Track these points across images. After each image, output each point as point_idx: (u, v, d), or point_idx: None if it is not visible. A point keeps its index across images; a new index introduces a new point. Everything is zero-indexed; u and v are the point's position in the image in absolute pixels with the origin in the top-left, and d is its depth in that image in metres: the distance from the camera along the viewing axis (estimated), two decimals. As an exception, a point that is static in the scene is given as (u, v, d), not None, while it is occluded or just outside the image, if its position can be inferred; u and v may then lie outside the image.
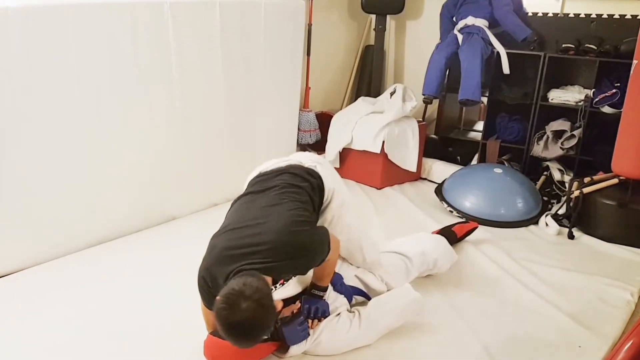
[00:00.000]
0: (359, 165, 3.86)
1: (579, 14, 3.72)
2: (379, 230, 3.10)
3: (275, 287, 2.01)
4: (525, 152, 3.85)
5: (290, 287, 2.04)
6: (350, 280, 2.21)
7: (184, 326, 2.09)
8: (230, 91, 3.22)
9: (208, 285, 1.74)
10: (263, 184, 1.98)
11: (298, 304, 1.98)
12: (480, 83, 3.63)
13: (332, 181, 2.05)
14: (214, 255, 1.74)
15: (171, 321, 2.13)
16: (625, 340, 1.53)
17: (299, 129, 3.98)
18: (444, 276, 2.58)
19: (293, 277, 2.07)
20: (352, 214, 2.16)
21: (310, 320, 1.97)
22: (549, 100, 3.71)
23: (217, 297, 1.58)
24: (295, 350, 1.93)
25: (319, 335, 1.95)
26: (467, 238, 2.97)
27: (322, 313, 2.00)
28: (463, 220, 3.04)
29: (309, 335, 1.93)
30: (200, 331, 2.05)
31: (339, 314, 2.04)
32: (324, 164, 2.11)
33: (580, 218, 3.14)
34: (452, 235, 2.79)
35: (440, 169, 3.94)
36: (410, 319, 2.13)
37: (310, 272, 2.03)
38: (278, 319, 1.89)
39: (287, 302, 2.02)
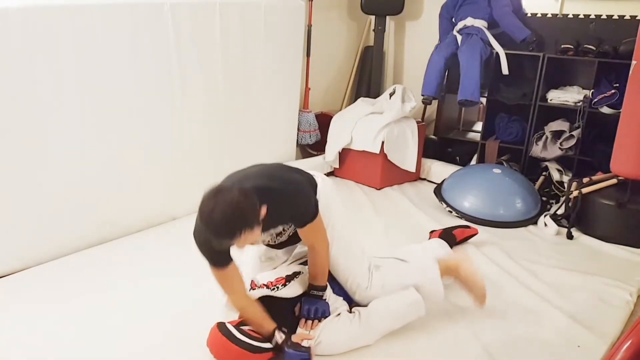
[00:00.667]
0: (358, 165, 3.86)
1: (578, 15, 3.73)
2: (378, 230, 3.11)
3: (278, 287, 2.03)
4: (524, 152, 3.86)
5: (292, 289, 2.05)
6: None
7: (185, 326, 2.10)
8: (230, 91, 3.22)
9: (210, 242, 1.74)
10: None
11: (309, 335, 1.96)
12: (480, 84, 3.63)
13: (326, 196, 2.05)
14: (201, 210, 1.69)
15: (171, 321, 2.14)
16: (624, 339, 1.53)
17: (298, 130, 3.98)
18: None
19: (295, 279, 2.07)
20: (342, 245, 2.11)
21: (310, 322, 1.98)
22: (548, 100, 3.72)
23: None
24: None
25: (319, 336, 1.95)
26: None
27: (322, 313, 2.00)
28: (465, 225, 3.01)
29: None
30: (201, 331, 2.06)
31: (339, 314, 2.04)
32: (326, 181, 2.14)
33: (579, 218, 3.14)
34: (451, 239, 2.79)
35: (439, 170, 3.95)
36: (412, 321, 2.12)
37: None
38: (288, 341, 1.87)
39: (289, 302, 2.02)
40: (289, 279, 2.09)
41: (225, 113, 3.24)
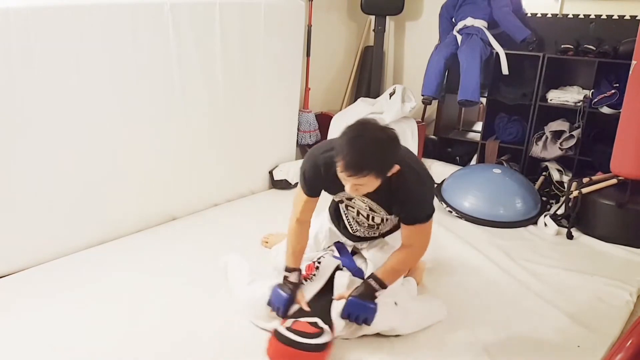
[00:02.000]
0: (358, 165, 3.86)
1: (578, 15, 3.73)
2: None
3: (313, 274, 2.06)
4: (524, 152, 3.86)
5: (316, 283, 2.06)
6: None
7: (185, 326, 2.10)
8: (230, 92, 3.22)
9: (320, 170, 1.79)
10: None
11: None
12: (479, 84, 3.63)
13: None
14: (348, 130, 1.70)
15: (172, 321, 2.13)
16: (624, 339, 1.53)
17: (298, 130, 3.98)
18: (442, 277, 2.58)
19: (323, 258, 2.10)
20: None
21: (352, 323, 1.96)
22: (548, 100, 3.72)
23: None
24: (338, 328, 1.92)
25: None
26: (466, 237, 3.00)
27: (364, 321, 1.93)
28: None
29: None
30: (201, 331, 2.06)
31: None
32: None
33: (579, 218, 3.14)
34: None
35: (439, 170, 3.95)
36: (438, 320, 2.15)
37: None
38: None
39: (319, 296, 2.03)
40: (315, 262, 2.12)
41: (225, 113, 3.24)
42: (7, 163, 2.35)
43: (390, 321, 2.00)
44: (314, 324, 1.87)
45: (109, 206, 2.77)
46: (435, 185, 3.63)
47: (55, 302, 2.22)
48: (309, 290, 2.06)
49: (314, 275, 2.09)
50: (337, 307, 1.96)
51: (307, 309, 1.97)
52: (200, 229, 3.00)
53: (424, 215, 1.88)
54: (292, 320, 1.90)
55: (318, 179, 1.86)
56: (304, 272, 2.10)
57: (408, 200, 1.84)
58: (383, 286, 1.94)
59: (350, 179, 1.66)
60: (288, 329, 1.83)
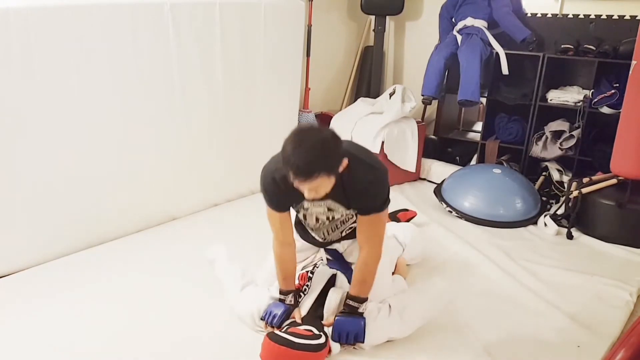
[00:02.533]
0: (358, 165, 3.86)
1: (578, 15, 3.73)
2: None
3: (307, 286, 2.05)
4: (524, 152, 3.86)
5: (309, 298, 2.05)
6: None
7: (185, 325, 2.10)
8: (230, 92, 3.22)
9: (278, 185, 1.79)
10: None
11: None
12: (480, 84, 3.63)
13: None
14: (288, 142, 1.70)
15: (172, 321, 2.14)
16: (624, 339, 1.53)
17: (298, 130, 3.98)
18: (442, 277, 2.58)
19: (316, 268, 2.08)
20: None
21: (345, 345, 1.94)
22: (548, 100, 3.72)
23: None
24: (334, 349, 1.91)
25: None
26: (466, 237, 3.01)
27: (356, 338, 1.90)
28: (405, 208, 3.15)
29: None
30: (201, 331, 2.06)
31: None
32: None
33: (579, 218, 3.14)
34: (396, 221, 2.86)
35: (439, 170, 3.95)
36: (443, 309, 2.14)
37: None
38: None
39: (314, 311, 2.03)
40: (310, 273, 2.10)
41: (225, 113, 3.24)
42: (6, 163, 2.35)
43: (387, 332, 1.98)
44: (309, 330, 1.86)
45: (109, 206, 2.77)
46: (436, 186, 3.66)
47: (55, 302, 2.22)
48: (304, 307, 2.04)
49: (307, 286, 2.07)
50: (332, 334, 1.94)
51: (299, 320, 1.97)
52: (200, 229, 3.00)
53: (379, 202, 1.88)
54: (287, 326, 1.89)
55: (280, 193, 1.86)
56: (297, 282, 2.08)
57: (362, 191, 1.85)
58: (362, 300, 1.95)
59: (304, 184, 1.68)
60: (283, 331, 1.82)
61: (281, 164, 1.70)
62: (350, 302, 1.95)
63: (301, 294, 2.07)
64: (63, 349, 1.94)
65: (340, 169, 1.72)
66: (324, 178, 1.66)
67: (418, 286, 2.24)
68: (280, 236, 1.98)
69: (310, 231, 2.14)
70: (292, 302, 2.00)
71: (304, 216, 2.05)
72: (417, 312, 2.05)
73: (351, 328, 1.90)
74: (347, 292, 1.99)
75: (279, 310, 1.97)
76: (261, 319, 2.01)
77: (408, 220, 3.03)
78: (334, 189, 1.78)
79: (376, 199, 1.87)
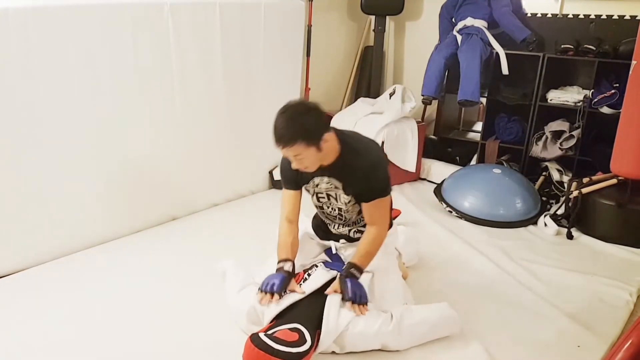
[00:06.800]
0: (358, 165, 3.86)
1: (578, 15, 3.73)
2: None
3: (300, 284, 2.04)
4: (524, 152, 3.86)
5: (313, 281, 2.04)
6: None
7: (185, 325, 2.10)
8: (230, 92, 3.22)
9: (290, 164, 1.94)
10: None
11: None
12: (479, 84, 3.64)
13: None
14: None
15: (172, 321, 2.14)
16: (624, 339, 1.53)
17: (298, 130, 3.98)
18: (442, 277, 2.59)
19: (314, 269, 2.09)
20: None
21: (355, 305, 1.95)
22: (548, 100, 3.72)
23: None
24: (326, 340, 1.89)
25: (347, 326, 1.91)
26: (466, 237, 3.01)
27: (364, 298, 1.98)
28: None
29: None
30: (202, 331, 2.06)
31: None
32: None
33: (579, 218, 3.14)
34: None
35: (439, 170, 3.95)
36: (444, 335, 2.07)
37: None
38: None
39: (318, 292, 2.02)
40: (306, 272, 2.10)
41: (225, 113, 3.24)
42: (6, 163, 2.35)
43: (381, 340, 1.96)
44: (297, 330, 1.83)
45: (109, 206, 2.77)
46: (436, 186, 3.66)
47: (55, 302, 2.23)
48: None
49: (301, 285, 2.05)
50: (330, 319, 1.92)
51: (299, 291, 1.98)
52: (200, 229, 3.00)
53: (378, 188, 1.98)
54: (274, 329, 1.87)
55: (289, 170, 2.00)
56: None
57: (360, 177, 1.96)
58: (362, 271, 2.05)
59: (286, 151, 1.88)
60: (267, 335, 1.79)
61: None
62: (353, 271, 2.02)
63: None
64: (63, 349, 1.94)
65: (322, 143, 1.86)
66: (301, 145, 1.82)
67: (427, 305, 2.15)
68: (288, 213, 2.12)
69: (325, 218, 2.23)
70: (290, 270, 2.03)
71: (317, 198, 2.12)
72: (418, 332, 2.02)
73: (360, 290, 1.99)
74: (350, 261, 2.05)
75: (277, 279, 1.98)
76: (259, 290, 1.99)
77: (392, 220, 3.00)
78: (332, 167, 1.96)
79: (373, 185, 1.97)
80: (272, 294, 1.95)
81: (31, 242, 2.50)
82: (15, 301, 2.24)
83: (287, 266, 2.03)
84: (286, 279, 1.99)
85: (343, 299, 1.96)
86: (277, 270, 2.03)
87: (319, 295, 2.00)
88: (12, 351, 1.92)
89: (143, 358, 1.92)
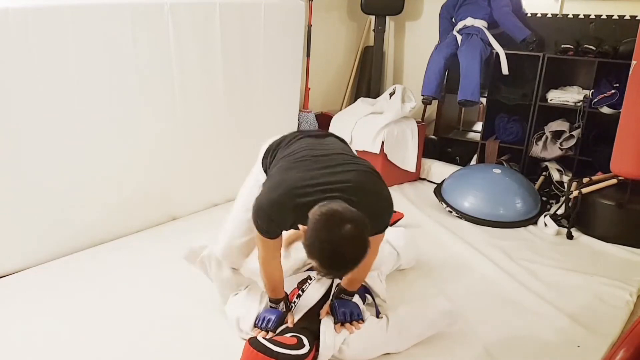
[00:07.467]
0: (358, 165, 3.86)
1: (578, 15, 3.73)
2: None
3: (295, 302, 2.03)
4: (524, 152, 3.86)
5: (308, 296, 2.05)
6: None
7: (185, 325, 2.10)
8: (230, 92, 3.22)
9: (270, 217, 1.75)
10: (315, 138, 2.06)
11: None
12: (479, 84, 3.63)
13: None
14: (285, 187, 1.72)
15: (172, 321, 2.14)
16: (624, 339, 1.53)
17: (298, 130, 3.98)
18: (442, 277, 2.59)
19: (308, 284, 2.09)
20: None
21: (348, 324, 1.96)
22: (548, 100, 3.72)
23: (315, 215, 1.58)
24: (325, 354, 1.89)
25: (346, 340, 1.92)
26: (466, 237, 3.01)
27: (357, 316, 1.98)
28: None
29: None
30: (202, 331, 2.06)
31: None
32: None
33: (579, 218, 3.14)
34: None
35: (439, 170, 3.95)
36: (443, 331, 2.08)
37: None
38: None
39: (314, 309, 2.02)
40: (300, 286, 2.10)
41: (225, 113, 3.24)
42: (6, 163, 2.35)
43: (383, 348, 1.96)
44: (295, 336, 1.84)
45: (109, 206, 2.77)
46: (436, 186, 3.66)
47: (55, 302, 2.23)
48: (296, 316, 2.03)
49: (294, 303, 2.05)
50: (327, 336, 1.91)
51: (291, 324, 1.96)
52: (200, 229, 2.99)
53: (381, 229, 1.89)
54: (280, 332, 1.88)
55: (283, 224, 1.80)
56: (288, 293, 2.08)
57: (377, 217, 1.80)
58: (353, 294, 2.04)
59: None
60: (266, 338, 1.79)
61: (298, 197, 1.69)
62: (344, 296, 2.02)
63: (291, 305, 2.05)
64: (62, 349, 1.94)
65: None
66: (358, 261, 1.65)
67: (422, 302, 2.18)
68: (273, 253, 1.92)
69: None
70: (284, 309, 2.00)
71: None
72: (416, 330, 2.03)
73: (352, 308, 1.99)
74: (339, 284, 2.05)
75: (273, 316, 1.97)
76: (255, 326, 1.99)
77: (395, 222, 2.99)
78: None
79: (380, 228, 1.87)
80: (267, 331, 1.95)
81: (31, 242, 2.50)
82: (15, 301, 2.24)
83: (282, 305, 2.00)
84: (282, 315, 1.98)
85: (335, 323, 1.96)
86: (271, 306, 2.01)
87: (317, 309, 2.02)
88: (12, 351, 1.92)
89: (143, 358, 1.92)
